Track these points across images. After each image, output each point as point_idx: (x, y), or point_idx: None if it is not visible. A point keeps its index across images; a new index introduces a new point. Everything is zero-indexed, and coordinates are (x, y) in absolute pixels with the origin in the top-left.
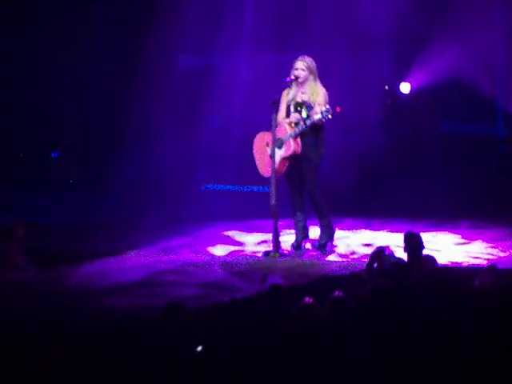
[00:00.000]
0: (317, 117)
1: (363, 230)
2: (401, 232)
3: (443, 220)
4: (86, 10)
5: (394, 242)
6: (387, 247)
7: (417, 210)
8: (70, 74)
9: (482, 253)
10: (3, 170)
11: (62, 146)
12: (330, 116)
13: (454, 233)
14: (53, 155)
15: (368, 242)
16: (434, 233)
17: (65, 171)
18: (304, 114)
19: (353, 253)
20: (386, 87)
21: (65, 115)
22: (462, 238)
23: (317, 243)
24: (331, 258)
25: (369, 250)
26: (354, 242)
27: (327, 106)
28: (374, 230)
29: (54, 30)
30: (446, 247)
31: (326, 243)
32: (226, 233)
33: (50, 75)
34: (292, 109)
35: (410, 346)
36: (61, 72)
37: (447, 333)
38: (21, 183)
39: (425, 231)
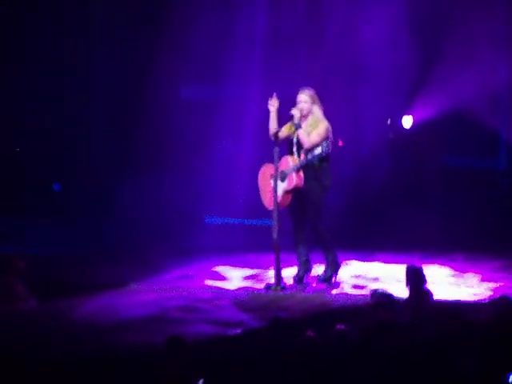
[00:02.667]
0: (317, 151)
1: (355, 262)
2: (396, 264)
3: (438, 252)
4: (87, 37)
5: (390, 274)
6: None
7: (415, 242)
8: (71, 101)
9: (475, 285)
10: (6, 199)
11: (63, 177)
12: (329, 150)
13: (448, 265)
14: (55, 186)
15: (360, 274)
16: (428, 265)
17: (67, 201)
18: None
19: (353, 286)
20: (389, 121)
21: (66, 145)
22: (455, 270)
23: (322, 276)
24: (334, 291)
25: (365, 282)
26: (346, 275)
27: (327, 141)
28: (368, 261)
29: (56, 62)
30: (440, 279)
31: (330, 276)
32: (218, 267)
33: (51, 104)
34: (295, 141)
35: (413, 376)
36: (61, 100)
37: (449, 363)
38: (23, 212)
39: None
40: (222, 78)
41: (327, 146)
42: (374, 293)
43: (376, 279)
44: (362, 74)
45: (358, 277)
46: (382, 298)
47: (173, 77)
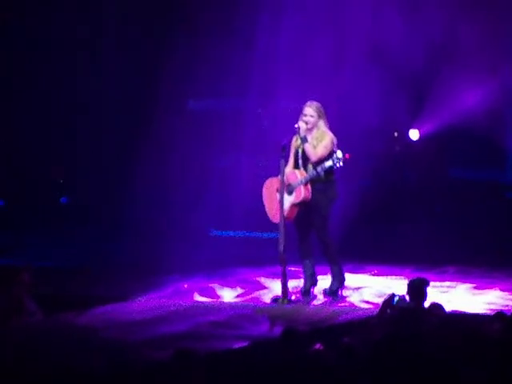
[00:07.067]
0: (328, 164)
1: (360, 275)
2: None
3: (430, 265)
4: (94, 54)
5: (388, 286)
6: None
7: (413, 255)
8: (77, 116)
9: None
10: (12, 212)
11: (71, 191)
12: (341, 163)
13: (439, 280)
14: (62, 200)
15: (363, 286)
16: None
17: (73, 215)
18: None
19: (360, 298)
20: (395, 134)
21: (73, 159)
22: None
23: (328, 289)
24: (340, 304)
25: (366, 296)
26: (351, 287)
27: (339, 154)
28: (362, 273)
29: (68, 77)
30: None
31: (337, 289)
32: (216, 282)
33: (61, 121)
34: (300, 154)
35: None
36: (69, 115)
37: (458, 378)
38: (30, 226)
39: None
40: (229, 92)
41: (338, 159)
42: (395, 299)
43: (377, 291)
44: (370, 88)
45: (360, 289)
46: (403, 305)
47: (180, 91)
